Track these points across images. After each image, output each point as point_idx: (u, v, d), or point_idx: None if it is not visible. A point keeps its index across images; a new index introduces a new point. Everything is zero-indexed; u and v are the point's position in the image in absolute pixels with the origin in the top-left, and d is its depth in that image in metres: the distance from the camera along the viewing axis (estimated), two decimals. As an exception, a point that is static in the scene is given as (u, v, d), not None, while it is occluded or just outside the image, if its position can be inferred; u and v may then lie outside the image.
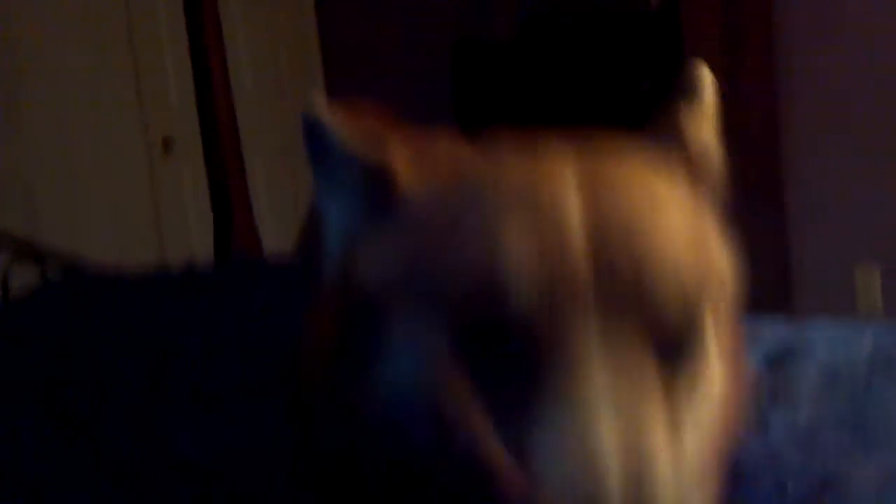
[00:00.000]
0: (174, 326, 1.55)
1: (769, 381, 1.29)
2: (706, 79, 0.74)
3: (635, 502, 0.46)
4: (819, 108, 3.25)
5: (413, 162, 0.62)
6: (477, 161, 0.62)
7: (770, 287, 3.26)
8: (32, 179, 3.73)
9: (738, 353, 0.66)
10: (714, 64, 2.93)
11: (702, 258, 0.60)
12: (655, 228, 0.56)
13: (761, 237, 3.30)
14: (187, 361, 1.38)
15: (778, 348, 1.41)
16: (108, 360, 1.33)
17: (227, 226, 2.59)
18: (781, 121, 3.34)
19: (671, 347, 0.55)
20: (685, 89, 0.73)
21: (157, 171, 4.04)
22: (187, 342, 1.44)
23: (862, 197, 3.19)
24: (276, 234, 3.30)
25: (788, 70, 3.30)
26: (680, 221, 0.59)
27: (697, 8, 3.06)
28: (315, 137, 0.64)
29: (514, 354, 0.53)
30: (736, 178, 2.96)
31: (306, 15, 4.59)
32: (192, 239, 3.84)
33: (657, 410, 0.52)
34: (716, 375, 0.60)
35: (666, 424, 0.52)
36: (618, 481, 0.47)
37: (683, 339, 0.56)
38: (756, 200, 3.29)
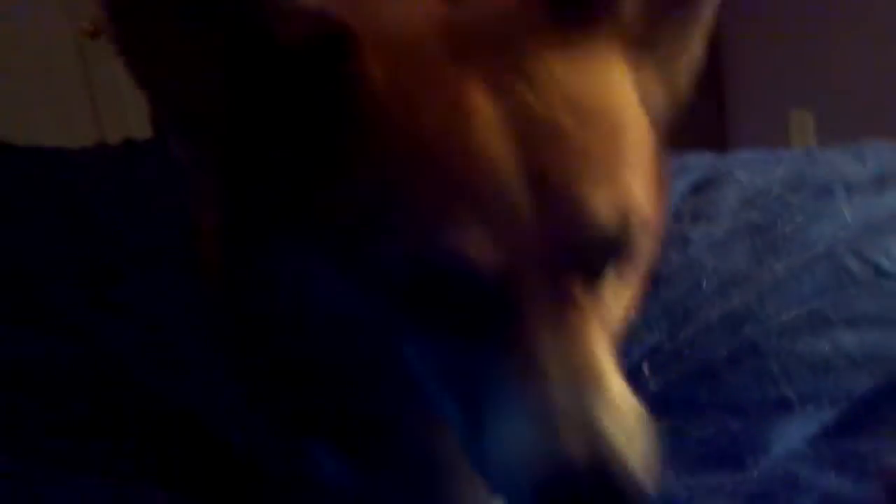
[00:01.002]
0: (97, 197, 1.56)
1: (692, 204, 1.36)
2: None
3: (597, 466, 0.49)
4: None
5: (375, 44, 0.55)
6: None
7: (706, 134, 3.32)
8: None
9: (663, 184, 0.66)
10: None
11: (640, 170, 0.58)
12: (601, 168, 0.54)
13: (698, 85, 3.35)
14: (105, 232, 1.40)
15: (703, 176, 1.48)
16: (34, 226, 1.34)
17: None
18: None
19: (604, 263, 0.56)
20: None
21: (87, 58, 3.96)
22: (106, 213, 1.45)
23: (795, 46, 3.23)
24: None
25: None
26: (618, 140, 0.56)
27: None
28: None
29: (462, 309, 0.53)
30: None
31: None
32: (130, 122, 3.80)
33: (600, 350, 0.54)
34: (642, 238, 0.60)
35: (608, 357, 0.54)
36: (577, 444, 0.50)
37: (613, 253, 0.56)
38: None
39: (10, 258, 1.18)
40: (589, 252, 0.54)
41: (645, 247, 0.60)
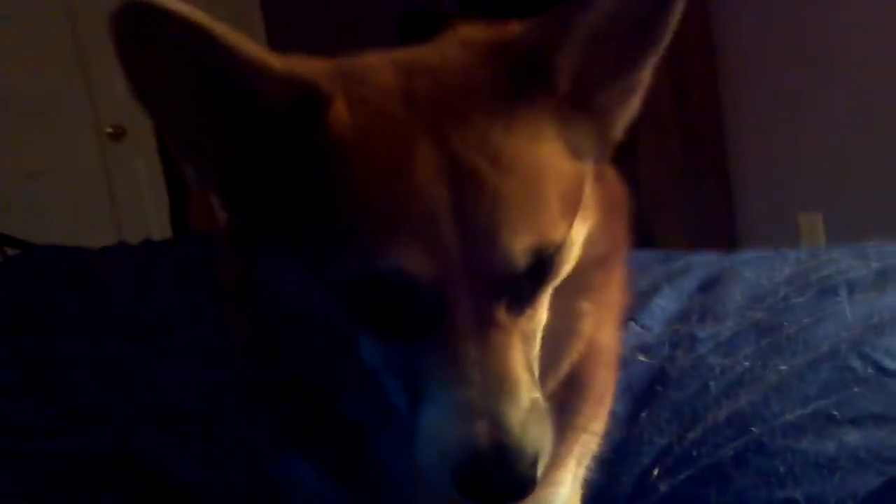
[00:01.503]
0: (131, 291, 1.60)
1: (700, 303, 1.37)
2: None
3: (499, 454, 0.61)
4: (758, 60, 3.34)
5: (342, 100, 0.68)
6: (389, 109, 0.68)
7: (716, 235, 3.35)
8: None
9: (616, 209, 0.80)
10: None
11: (560, 209, 0.68)
12: (518, 210, 0.65)
13: (706, 190, 3.39)
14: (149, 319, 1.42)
15: (710, 275, 1.51)
16: (67, 316, 1.37)
17: (184, 206, 2.64)
18: (721, 76, 3.43)
19: (526, 289, 0.68)
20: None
21: (108, 159, 4.06)
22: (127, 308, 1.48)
23: (802, 149, 3.29)
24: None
25: (725, 21, 3.38)
26: (537, 185, 0.67)
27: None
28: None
29: (402, 313, 0.66)
30: (679, 133, 3.04)
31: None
32: (149, 223, 3.87)
33: (515, 360, 0.65)
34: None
35: (522, 367, 0.66)
36: (484, 436, 0.61)
37: (535, 280, 0.68)
38: (700, 154, 3.38)
39: (39, 353, 1.21)
40: (505, 282, 0.65)
41: (566, 271, 0.72)
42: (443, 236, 0.63)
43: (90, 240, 3.20)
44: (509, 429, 0.62)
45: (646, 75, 0.76)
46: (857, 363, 1.03)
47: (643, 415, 1.10)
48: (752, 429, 1.00)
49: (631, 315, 1.34)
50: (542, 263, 0.67)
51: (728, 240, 3.39)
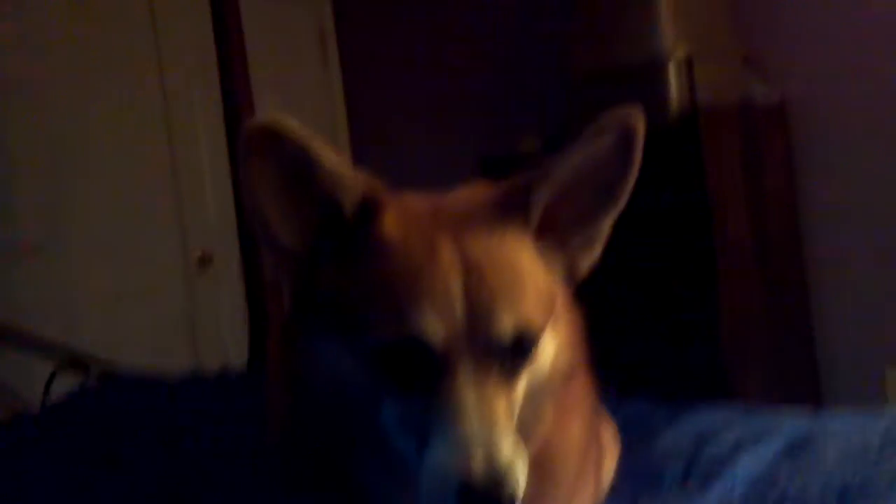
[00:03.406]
0: (202, 422, 1.61)
1: (787, 465, 1.32)
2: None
3: (491, 478, 0.78)
4: (841, 213, 3.31)
5: (393, 210, 0.93)
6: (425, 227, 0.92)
7: (798, 390, 3.24)
8: (74, 294, 3.87)
9: (579, 373, 1.03)
10: (734, 177, 3.02)
11: (536, 304, 0.91)
12: (507, 298, 0.88)
13: (787, 341, 3.31)
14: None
15: (798, 435, 1.45)
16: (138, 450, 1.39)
17: (262, 336, 2.67)
18: (804, 228, 3.40)
19: (511, 363, 0.88)
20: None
21: (193, 283, 4.17)
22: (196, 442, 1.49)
23: (889, 300, 3.21)
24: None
25: (808, 175, 3.38)
26: (520, 283, 0.90)
27: (716, 123, 3.16)
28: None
29: (419, 370, 0.85)
30: (761, 284, 3.02)
31: (340, 134, 4.79)
32: (227, 350, 3.93)
33: (503, 412, 0.84)
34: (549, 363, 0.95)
35: (508, 418, 0.84)
36: (480, 464, 0.78)
37: (518, 357, 0.89)
38: (782, 305, 3.32)
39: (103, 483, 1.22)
40: (496, 349, 0.86)
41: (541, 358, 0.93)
42: (454, 311, 0.85)
43: (169, 361, 3.28)
44: (500, 457, 0.79)
45: (606, 227, 1.00)
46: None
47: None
48: None
49: (708, 474, 1.31)
50: (522, 342, 0.88)
51: (811, 393, 3.28)
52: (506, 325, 0.86)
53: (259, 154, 0.87)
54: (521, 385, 0.90)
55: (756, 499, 1.22)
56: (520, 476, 0.80)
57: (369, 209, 0.91)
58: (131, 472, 1.42)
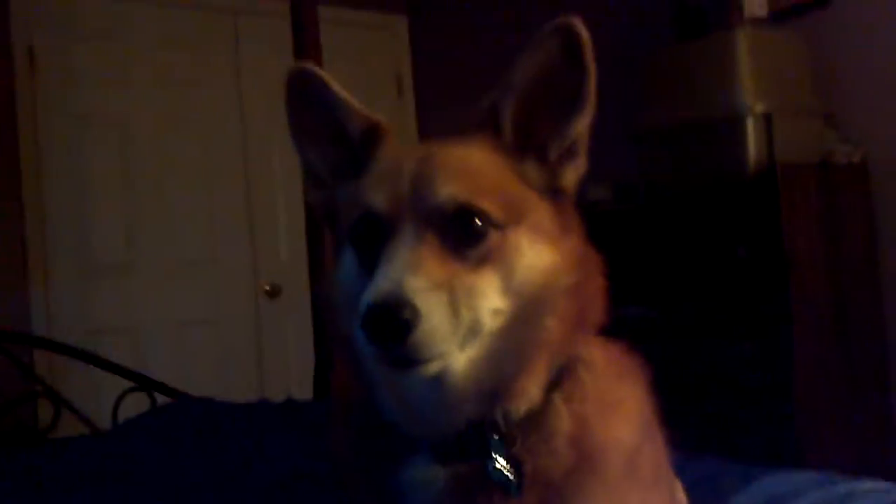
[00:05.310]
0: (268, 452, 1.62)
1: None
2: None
3: (392, 299, 0.86)
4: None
5: (391, 139, 1.07)
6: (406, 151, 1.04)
7: (875, 457, 3.14)
8: (145, 318, 3.95)
9: (587, 291, 1.03)
10: (813, 234, 2.95)
11: (491, 194, 0.97)
12: (449, 174, 0.96)
13: (865, 406, 3.20)
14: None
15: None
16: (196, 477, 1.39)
17: (327, 368, 2.69)
18: (884, 287, 3.31)
19: (455, 236, 0.94)
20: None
21: (262, 314, 4.23)
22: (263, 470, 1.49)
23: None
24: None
25: (889, 234, 3.30)
26: (471, 171, 0.99)
27: (794, 176, 3.11)
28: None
29: (374, 234, 0.96)
30: (839, 345, 2.94)
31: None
32: (291, 380, 3.96)
33: (431, 267, 0.91)
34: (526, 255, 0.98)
35: (439, 275, 0.90)
36: (385, 288, 0.87)
37: (464, 234, 0.94)
38: (860, 368, 3.22)
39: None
40: (434, 217, 0.94)
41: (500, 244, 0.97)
42: (401, 185, 0.96)
43: (235, 390, 3.32)
44: (402, 288, 0.86)
45: (581, 134, 1.02)
46: None
47: None
48: None
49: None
50: (468, 221, 0.94)
51: (886, 457, 3.17)
52: (444, 193, 0.94)
53: (294, 91, 1.07)
54: (486, 272, 0.95)
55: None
56: (425, 311, 0.87)
57: (372, 136, 1.06)
58: (198, 497, 1.43)
